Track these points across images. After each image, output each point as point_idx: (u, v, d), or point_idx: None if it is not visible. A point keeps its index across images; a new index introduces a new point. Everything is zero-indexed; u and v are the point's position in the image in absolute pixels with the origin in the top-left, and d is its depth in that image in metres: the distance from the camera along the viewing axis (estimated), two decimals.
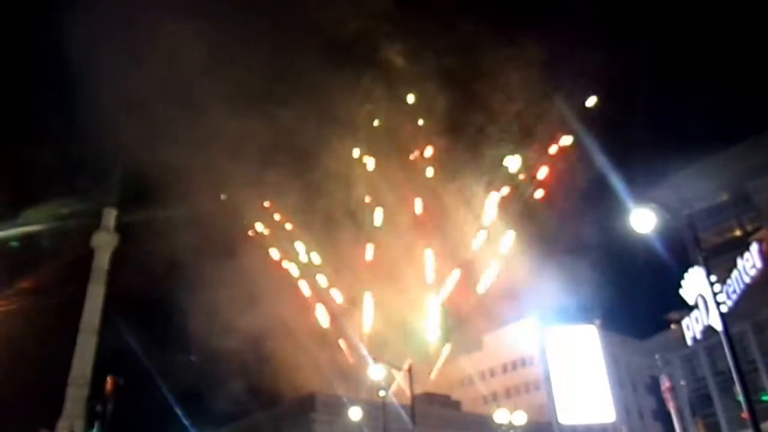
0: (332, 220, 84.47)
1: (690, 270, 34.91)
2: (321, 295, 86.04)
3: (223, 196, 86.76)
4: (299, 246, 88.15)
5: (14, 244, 66.50)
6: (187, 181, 74.12)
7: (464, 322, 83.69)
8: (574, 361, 70.44)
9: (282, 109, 76.21)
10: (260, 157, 78.63)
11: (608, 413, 68.79)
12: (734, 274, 38.27)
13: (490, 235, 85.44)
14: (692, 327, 41.70)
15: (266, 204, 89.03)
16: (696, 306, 37.83)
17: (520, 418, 37.86)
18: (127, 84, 70.92)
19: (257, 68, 76.68)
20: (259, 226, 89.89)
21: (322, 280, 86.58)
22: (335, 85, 78.95)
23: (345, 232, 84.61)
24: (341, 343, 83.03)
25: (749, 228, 47.45)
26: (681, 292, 36.66)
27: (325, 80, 78.80)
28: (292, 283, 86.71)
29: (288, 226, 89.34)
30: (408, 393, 30.98)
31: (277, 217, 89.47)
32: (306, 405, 55.09)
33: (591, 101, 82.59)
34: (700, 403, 47.12)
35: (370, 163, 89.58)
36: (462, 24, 79.59)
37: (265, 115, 76.40)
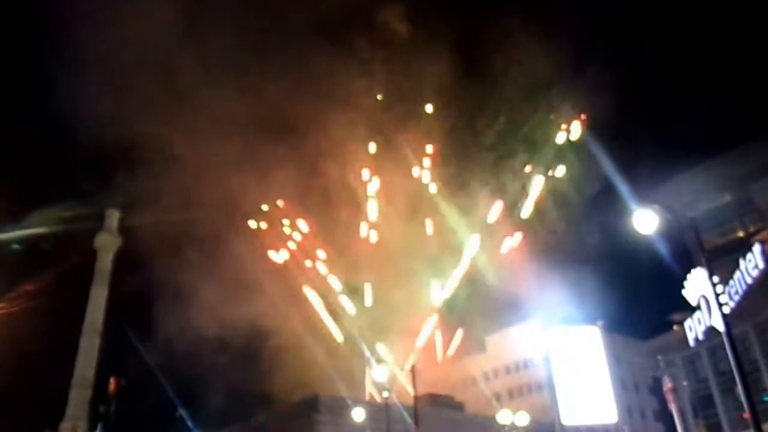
0: (338, 222, 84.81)
1: (692, 271, 34.97)
2: (326, 299, 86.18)
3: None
4: (303, 244, 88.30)
5: (16, 246, 66.68)
6: (187, 176, 74.54)
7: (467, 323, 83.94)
8: (576, 362, 70.35)
9: (278, 88, 75.94)
10: (259, 146, 78.69)
11: (611, 414, 68.74)
12: (737, 275, 38.31)
13: (493, 234, 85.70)
14: (694, 328, 41.77)
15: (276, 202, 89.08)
16: (698, 307, 37.81)
17: (523, 419, 37.93)
18: (121, 73, 71.48)
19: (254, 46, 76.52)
20: (264, 224, 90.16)
21: (327, 280, 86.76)
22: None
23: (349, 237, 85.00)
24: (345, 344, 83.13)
25: (752, 229, 47.55)
26: (683, 293, 36.69)
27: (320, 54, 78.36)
28: (295, 284, 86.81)
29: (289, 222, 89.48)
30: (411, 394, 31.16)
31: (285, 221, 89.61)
32: (309, 406, 55.22)
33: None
34: (702, 404, 47.18)
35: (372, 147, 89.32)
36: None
37: (263, 99, 76.47)
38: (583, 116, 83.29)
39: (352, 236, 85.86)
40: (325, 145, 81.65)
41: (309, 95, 79.37)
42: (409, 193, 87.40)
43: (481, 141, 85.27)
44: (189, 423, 61.57)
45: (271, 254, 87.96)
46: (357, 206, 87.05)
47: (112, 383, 35.28)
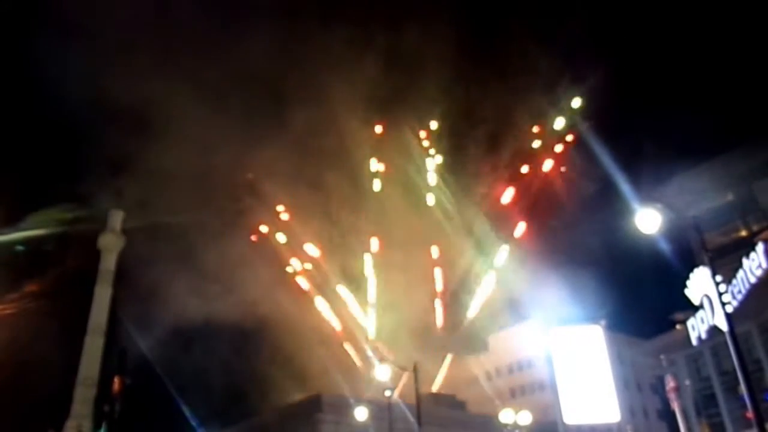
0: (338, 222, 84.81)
1: (695, 270, 34.99)
2: (328, 297, 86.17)
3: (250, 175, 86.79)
4: (307, 246, 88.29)
5: (19, 248, 66.90)
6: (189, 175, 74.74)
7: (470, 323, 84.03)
8: (579, 361, 70.33)
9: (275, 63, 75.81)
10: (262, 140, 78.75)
11: (613, 413, 68.69)
12: (740, 274, 38.29)
13: (496, 233, 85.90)
14: (697, 327, 41.77)
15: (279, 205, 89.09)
16: (701, 306, 37.93)
17: (525, 418, 37.99)
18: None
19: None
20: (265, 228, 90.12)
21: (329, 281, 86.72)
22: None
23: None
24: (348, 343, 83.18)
25: (755, 228, 47.48)
26: (686, 292, 36.75)
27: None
28: (299, 283, 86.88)
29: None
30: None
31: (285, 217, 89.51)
32: (312, 405, 55.34)
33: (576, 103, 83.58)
34: (705, 403, 47.14)
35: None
36: None
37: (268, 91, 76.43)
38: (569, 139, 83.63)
39: (352, 224, 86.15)
40: (324, 126, 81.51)
41: (306, 70, 79.47)
42: (411, 182, 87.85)
43: (481, 131, 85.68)
44: (193, 422, 61.84)
45: (276, 254, 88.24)
46: (358, 194, 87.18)
47: (116, 382, 35.33)
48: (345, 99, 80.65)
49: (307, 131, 79.96)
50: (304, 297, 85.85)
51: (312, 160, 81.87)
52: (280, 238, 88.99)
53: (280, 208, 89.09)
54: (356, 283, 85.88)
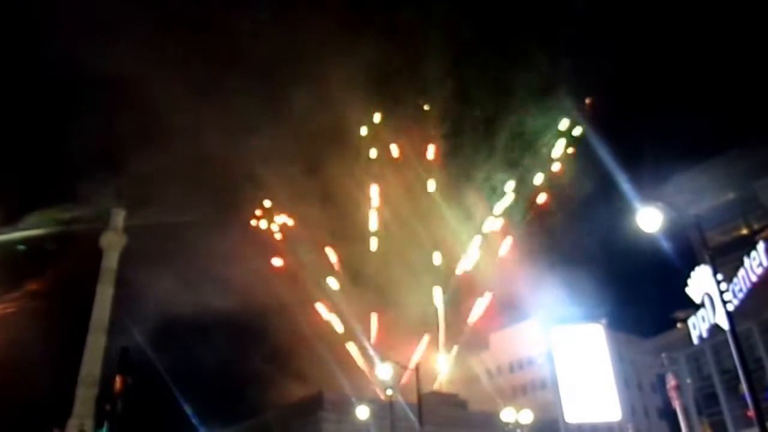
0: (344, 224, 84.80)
1: (696, 269, 34.97)
2: (330, 296, 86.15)
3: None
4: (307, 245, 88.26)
5: (21, 247, 67.03)
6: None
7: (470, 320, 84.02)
8: (580, 360, 70.46)
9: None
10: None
11: (614, 412, 68.80)
12: (741, 272, 38.31)
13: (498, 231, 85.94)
14: (698, 325, 41.78)
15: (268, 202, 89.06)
16: (702, 305, 37.88)
17: (527, 417, 38.01)
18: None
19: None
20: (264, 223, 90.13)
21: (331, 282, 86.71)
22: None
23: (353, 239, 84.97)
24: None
25: (756, 227, 47.49)
26: (687, 290, 36.71)
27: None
28: (301, 283, 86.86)
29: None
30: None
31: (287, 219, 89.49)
32: (314, 404, 55.41)
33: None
34: (706, 402, 47.16)
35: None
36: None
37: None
38: (588, 101, 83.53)
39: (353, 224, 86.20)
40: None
41: (306, 62, 79.21)
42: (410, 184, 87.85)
43: (481, 136, 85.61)
44: (195, 421, 61.89)
45: (277, 254, 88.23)
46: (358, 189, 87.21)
47: (118, 381, 35.37)
48: (343, 84, 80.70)
49: (304, 117, 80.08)
50: (306, 296, 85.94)
51: (310, 147, 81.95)
52: (278, 235, 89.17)
53: (277, 213, 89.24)
54: (357, 278, 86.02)
